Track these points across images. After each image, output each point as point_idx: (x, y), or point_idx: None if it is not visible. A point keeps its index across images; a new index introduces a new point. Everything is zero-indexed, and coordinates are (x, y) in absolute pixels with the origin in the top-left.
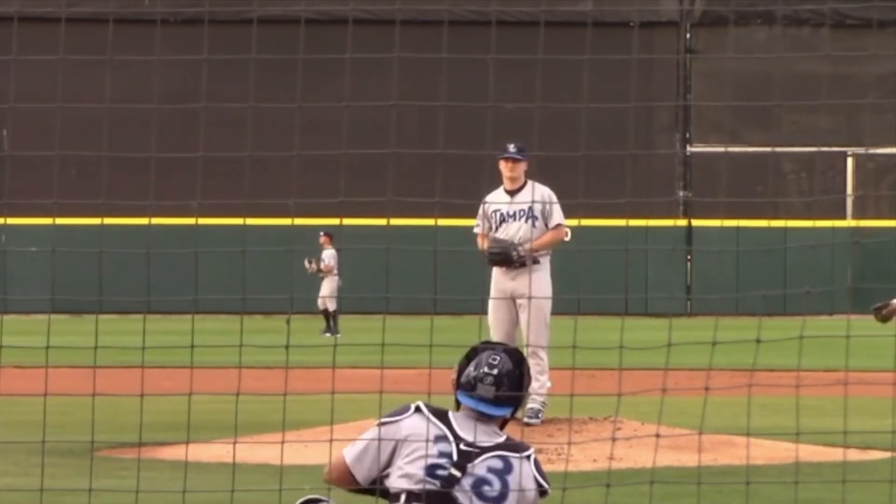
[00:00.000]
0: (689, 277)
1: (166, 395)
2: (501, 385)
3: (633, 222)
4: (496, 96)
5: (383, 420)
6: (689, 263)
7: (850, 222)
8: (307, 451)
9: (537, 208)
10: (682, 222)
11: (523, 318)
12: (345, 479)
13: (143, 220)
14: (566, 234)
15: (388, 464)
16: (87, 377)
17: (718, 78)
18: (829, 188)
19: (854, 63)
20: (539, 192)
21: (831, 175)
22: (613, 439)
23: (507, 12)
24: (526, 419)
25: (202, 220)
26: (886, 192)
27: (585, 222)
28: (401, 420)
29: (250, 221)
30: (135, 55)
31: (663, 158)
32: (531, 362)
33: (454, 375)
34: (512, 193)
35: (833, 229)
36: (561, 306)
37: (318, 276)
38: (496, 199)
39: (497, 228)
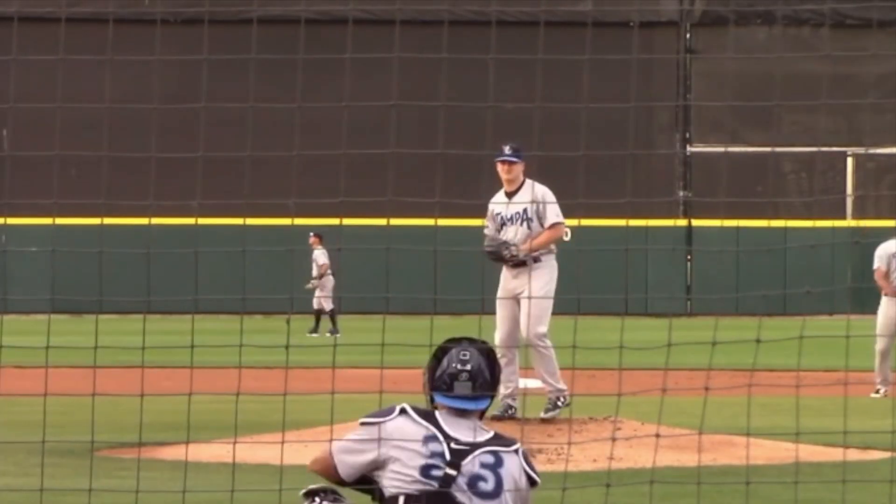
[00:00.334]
0: (689, 277)
1: (166, 395)
2: (477, 379)
3: (633, 222)
4: (496, 96)
5: (366, 420)
6: (689, 263)
7: (850, 222)
8: (307, 451)
9: (531, 210)
10: (682, 222)
11: (522, 312)
12: (328, 472)
13: (143, 220)
14: (565, 233)
15: (375, 466)
16: (87, 377)
17: (718, 78)
18: (829, 188)
19: (854, 63)
20: (535, 193)
21: (831, 175)
22: (613, 439)
23: (507, 12)
24: (543, 415)
25: (202, 220)
26: (886, 192)
27: (585, 222)
28: (385, 422)
29: (250, 221)
30: (135, 55)
31: (663, 158)
32: (535, 354)
33: (425, 378)
34: (511, 195)
35: (833, 229)
36: (561, 306)
37: (317, 281)
38: (498, 201)
39: (500, 230)
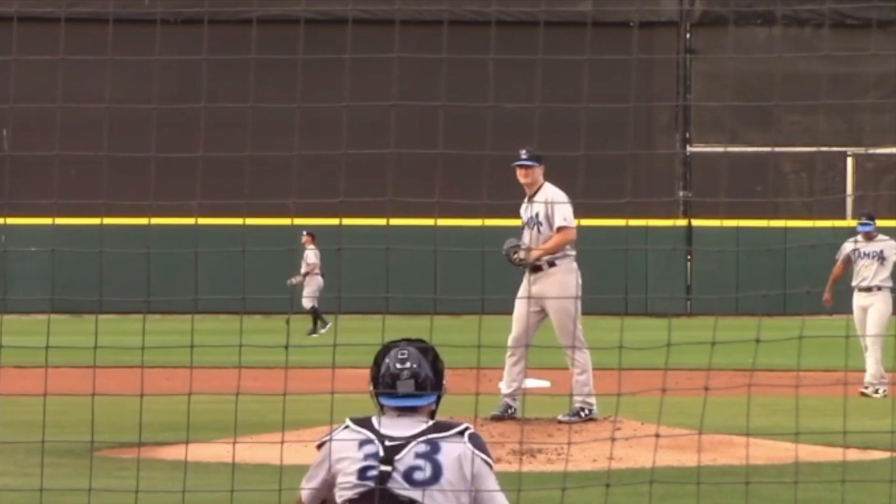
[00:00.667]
0: (689, 277)
1: (166, 395)
2: (419, 376)
3: (633, 222)
4: (496, 96)
5: (317, 443)
6: (689, 263)
7: (850, 222)
8: (307, 451)
9: (541, 214)
10: (682, 222)
11: (554, 322)
12: None
13: (143, 220)
14: (573, 235)
15: (329, 485)
16: (87, 377)
17: (718, 78)
18: (828, 188)
19: (854, 63)
20: (546, 196)
21: (831, 175)
22: (613, 439)
23: (507, 12)
24: (561, 417)
25: (202, 220)
26: (886, 192)
27: (585, 222)
28: (333, 438)
29: (250, 221)
30: (135, 55)
31: (663, 158)
32: (568, 362)
33: (370, 385)
34: (530, 199)
35: (833, 229)
36: None
37: (303, 280)
38: (523, 205)
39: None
